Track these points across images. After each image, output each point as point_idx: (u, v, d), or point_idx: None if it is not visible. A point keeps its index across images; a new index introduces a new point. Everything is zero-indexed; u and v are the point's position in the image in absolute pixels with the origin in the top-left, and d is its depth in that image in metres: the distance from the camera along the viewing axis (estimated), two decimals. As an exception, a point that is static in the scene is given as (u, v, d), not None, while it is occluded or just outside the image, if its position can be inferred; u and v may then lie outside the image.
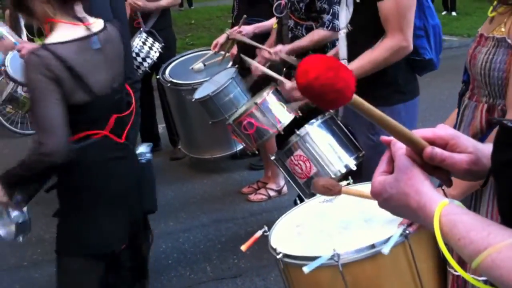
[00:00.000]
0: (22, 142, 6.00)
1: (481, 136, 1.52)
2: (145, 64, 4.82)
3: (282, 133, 3.03)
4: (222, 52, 4.44)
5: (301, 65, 0.82)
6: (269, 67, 3.29)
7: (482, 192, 1.52)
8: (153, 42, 4.88)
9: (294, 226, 1.97)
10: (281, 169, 2.78)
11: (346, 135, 2.66)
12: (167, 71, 4.80)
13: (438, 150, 0.91)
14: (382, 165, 0.95)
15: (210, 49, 4.60)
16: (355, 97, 0.84)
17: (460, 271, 0.88)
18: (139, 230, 2.52)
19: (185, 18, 12.47)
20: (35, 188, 2.27)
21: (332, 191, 1.83)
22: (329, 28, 3.19)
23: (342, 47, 2.60)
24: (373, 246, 1.64)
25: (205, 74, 4.56)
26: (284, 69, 3.33)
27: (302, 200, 2.38)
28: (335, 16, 3.15)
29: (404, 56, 2.43)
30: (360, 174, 2.53)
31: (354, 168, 2.59)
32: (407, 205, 0.90)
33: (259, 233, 1.91)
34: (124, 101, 2.35)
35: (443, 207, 0.86)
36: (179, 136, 5.10)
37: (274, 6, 3.46)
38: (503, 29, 1.45)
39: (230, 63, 4.36)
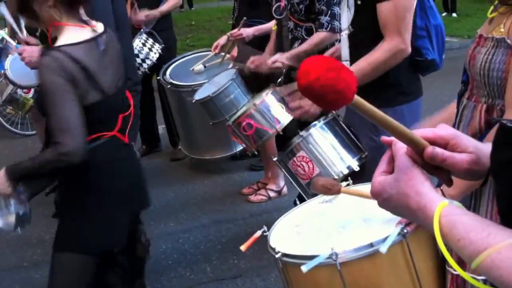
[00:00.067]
0: (22, 143, 6.00)
1: (480, 136, 1.52)
2: (144, 65, 4.82)
3: (281, 133, 3.04)
4: (223, 54, 4.45)
5: (302, 66, 0.83)
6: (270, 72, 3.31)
7: (481, 192, 1.52)
8: (153, 43, 4.88)
9: (294, 226, 1.97)
10: (283, 170, 2.76)
11: (348, 136, 2.66)
12: (167, 72, 4.80)
13: (439, 150, 0.91)
14: (382, 165, 0.95)
15: (210, 51, 4.62)
16: (357, 98, 0.85)
17: (459, 271, 0.88)
18: (136, 228, 2.53)
19: (186, 19, 12.46)
20: (40, 187, 2.27)
21: (331, 190, 1.84)
22: (328, 29, 3.19)
23: (344, 49, 2.60)
24: (371, 245, 1.65)
25: (206, 75, 4.56)
26: (284, 70, 3.33)
27: (302, 201, 2.38)
28: (335, 17, 3.15)
29: (402, 58, 2.42)
30: (363, 175, 2.53)
31: (356, 169, 2.58)
32: (407, 206, 0.90)
33: (258, 233, 1.91)
34: (126, 101, 2.37)
35: (443, 208, 0.86)
36: (179, 137, 5.09)
37: (274, 8, 3.46)
38: (502, 30, 1.46)
39: (231, 64, 4.36)
